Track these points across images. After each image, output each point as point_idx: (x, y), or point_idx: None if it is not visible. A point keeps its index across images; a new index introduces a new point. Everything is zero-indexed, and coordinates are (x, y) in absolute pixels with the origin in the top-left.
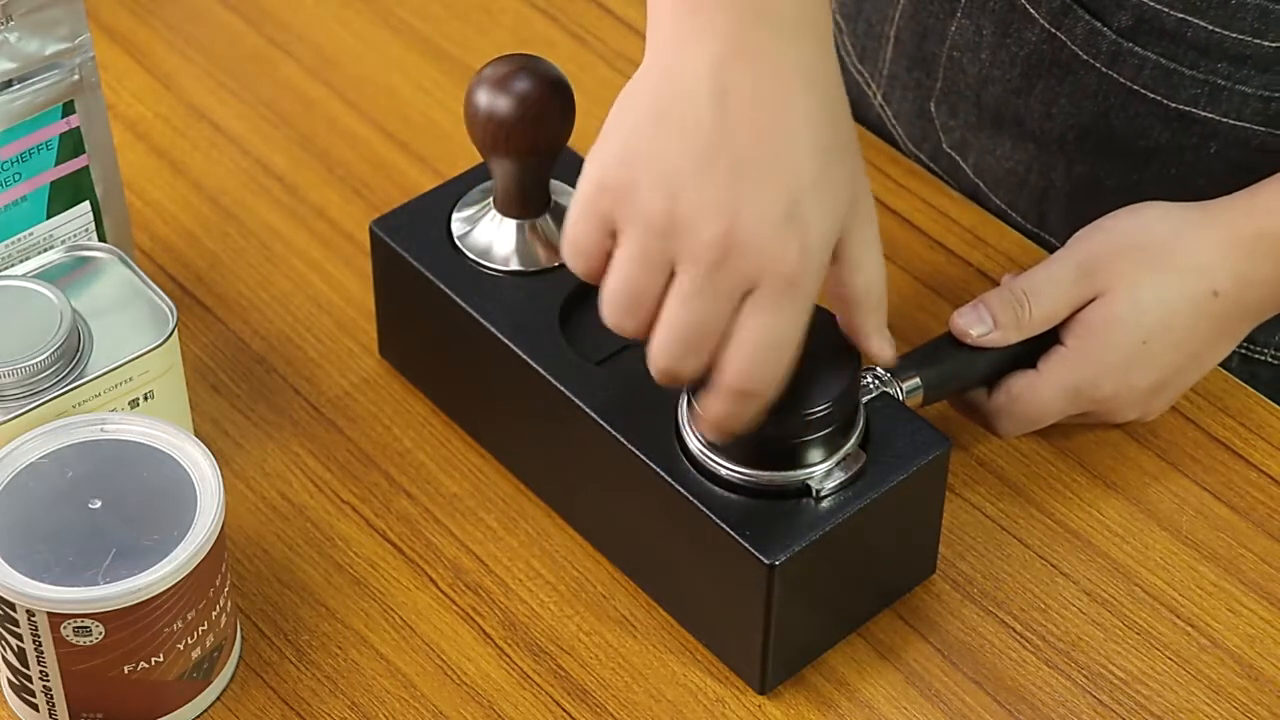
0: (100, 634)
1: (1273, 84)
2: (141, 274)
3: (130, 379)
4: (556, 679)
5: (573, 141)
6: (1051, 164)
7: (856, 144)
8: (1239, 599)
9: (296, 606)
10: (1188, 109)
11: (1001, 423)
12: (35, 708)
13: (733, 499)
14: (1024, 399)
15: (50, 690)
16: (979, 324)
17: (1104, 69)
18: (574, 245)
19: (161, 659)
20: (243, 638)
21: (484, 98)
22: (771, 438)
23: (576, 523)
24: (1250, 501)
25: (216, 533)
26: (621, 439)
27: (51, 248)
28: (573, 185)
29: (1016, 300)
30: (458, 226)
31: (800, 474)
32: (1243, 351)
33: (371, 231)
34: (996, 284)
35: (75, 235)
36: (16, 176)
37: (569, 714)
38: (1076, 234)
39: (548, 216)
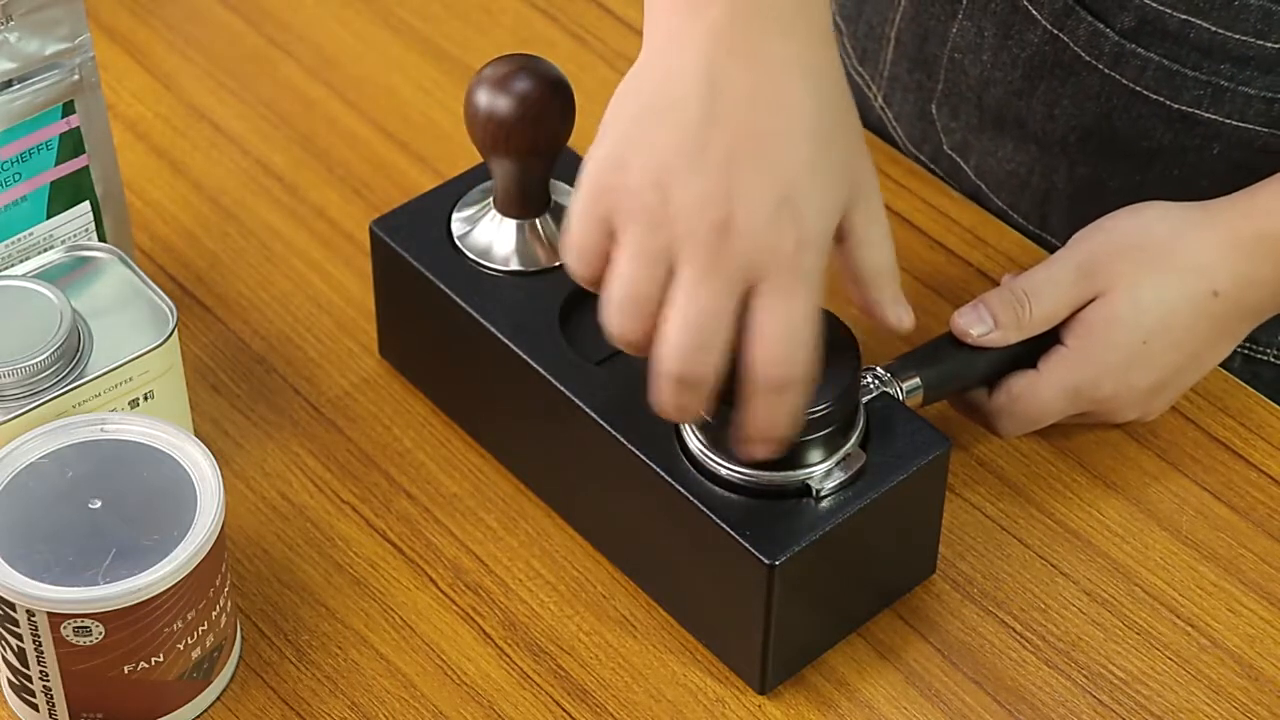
0: (100, 634)
1: (1275, 85)
2: (141, 274)
3: (130, 379)
4: (556, 679)
5: (573, 141)
6: (1054, 166)
7: (857, 129)
8: (1239, 599)
9: (296, 606)
10: (1190, 110)
11: (1001, 423)
12: (35, 708)
13: (733, 499)
14: (1024, 399)
15: (50, 690)
16: (979, 324)
17: (1106, 70)
18: (575, 248)
19: (161, 659)
20: (243, 638)
21: (484, 98)
22: None
23: (576, 523)
24: (1250, 501)
25: (216, 533)
26: (621, 439)
27: (51, 248)
28: (573, 185)
29: (1016, 300)
30: (458, 226)
31: (800, 474)
32: (1244, 351)
33: (371, 231)
34: (996, 284)
35: (75, 235)
36: (16, 176)
37: (569, 714)
38: (1077, 234)
39: (548, 216)
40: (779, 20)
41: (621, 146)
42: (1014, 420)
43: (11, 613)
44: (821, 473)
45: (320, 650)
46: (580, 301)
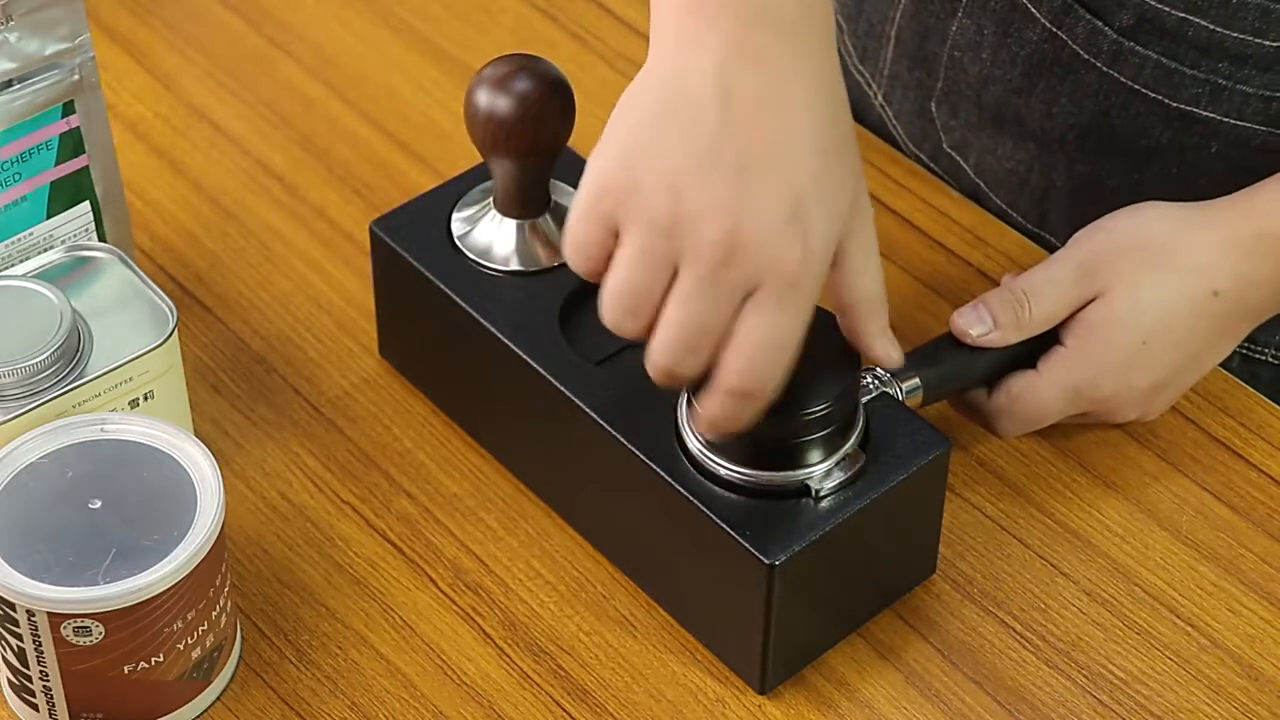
0: (100, 634)
1: (1274, 84)
2: (141, 274)
3: (130, 379)
4: (556, 679)
5: (573, 141)
6: (1052, 164)
7: (856, 145)
8: (1239, 599)
9: (296, 606)
10: (1189, 108)
11: (1001, 423)
12: (35, 708)
13: (733, 499)
14: (1024, 399)
15: (50, 690)
16: (979, 324)
17: (1105, 68)
18: (576, 245)
19: (161, 659)
20: (243, 638)
21: (484, 98)
22: (771, 438)
23: (576, 523)
24: (1250, 501)
25: (216, 533)
26: (621, 439)
27: (51, 248)
28: (573, 185)
29: (1016, 300)
30: (458, 226)
31: (800, 474)
32: (1243, 351)
33: (371, 231)
34: (996, 284)
35: (75, 235)
36: (16, 176)
37: (569, 714)
38: (1076, 234)
39: (548, 216)
40: (789, 30)
41: (630, 147)
42: (1014, 420)
43: (11, 613)
44: (821, 473)
45: (320, 650)
46: (580, 301)
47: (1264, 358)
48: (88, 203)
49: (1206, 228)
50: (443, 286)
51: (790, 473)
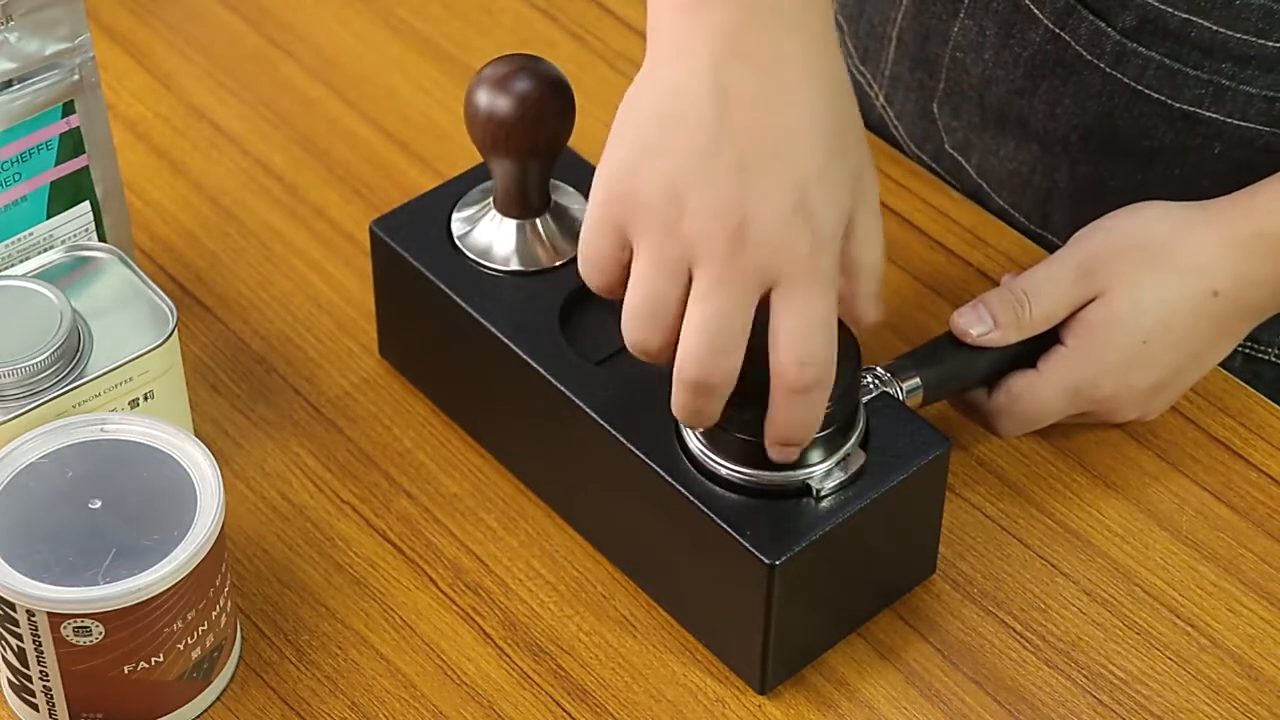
0: (100, 634)
1: (1277, 84)
2: (141, 274)
3: (130, 379)
4: (556, 679)
5: (573, 141)
6: (1055, 165)
7: (861, 130)
8: (1239, 599)
9: (296, 606)
10: (1192, 109)
11: (1001, 423)
12: (35, 708)
13: (733, 499)
14: (1024, 399)
15: (50, 690)
16: (979, 324)
17: (1108, 69)
18: (590, 259)
19: (161, 659)
20: (243, 638)
21: (484, 98)
22: None
23: (576, 523)
24: (1250, 501)
25: (216, 533)
26: (621, 439)
27: (51, 248)
28: (573, 185)
29: (1016, 300)
30: (458, 226)
31: (800, 474)
32: (1246, 351)
33: (371, 231)
34: (996, 284)
35: (75, 235)
36: (16, 176)
37: (569, 714)
38: (1077, 234)
39: (548, 216)
40: (784, 21)
41: (633, 154)
42: (1014, 420)
43: (11, 613)
44: (821, 473)
45: (320, 650)
46: (580, 301)
47: (1267, 357)
48: (88, 203)
49: (1206, 227)
50: (443, 286)
51: (790, 472)
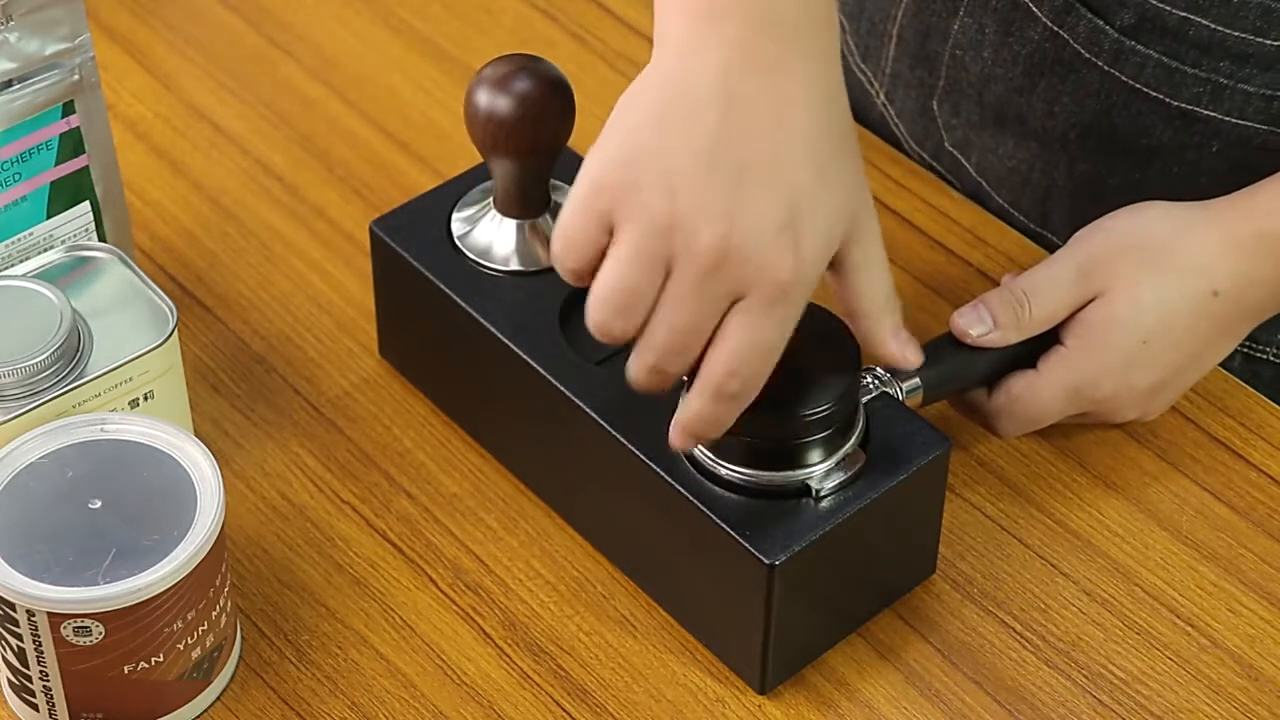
0: (100, 634)
1: (1275, 83)
2: (141, 274)
3: (130, 379)
4: (556, 679)
5: (573, 141)
6: (1054, 163)
7: (859, 156)
8: (1239, 599)
9: (296, 606)
10: (1190, 108)
11: (1001, 423)
12: (35, 708)
13: (733, 499)
14: (1024, 399)
15: (50, 690)
16: (979, 324)
17: (1106, 67)
18: (567, 241)
19: (161, 659)
20: (243, 638)
21: (484, 98)
22: (772, 438)
23: (576, 523)
24: (1250, 501)
25: (216, 533)
26: (621, 439)
27: (51, 248)
28: (573, 185)
29: (1016, 300)
30: (458, 226)
31: (800, 474)
32: (1245, 350)
33: (371, 231)
34: (996, 284)
35: (75, 235)
36: (16, 176)
37: (569, 714)
38: (1077, 234)
39: (548, 216)
40: (795, 38)
41: (631, 146)
42: (1014, 420)
43: (11, 613)
44: (821, 473)
45: (320, 650)
46: (580, 301)
47: (1265, 357)
48: (88, 203)
49: (1206, 227)
50: (443, 286)
51: (790, 473)
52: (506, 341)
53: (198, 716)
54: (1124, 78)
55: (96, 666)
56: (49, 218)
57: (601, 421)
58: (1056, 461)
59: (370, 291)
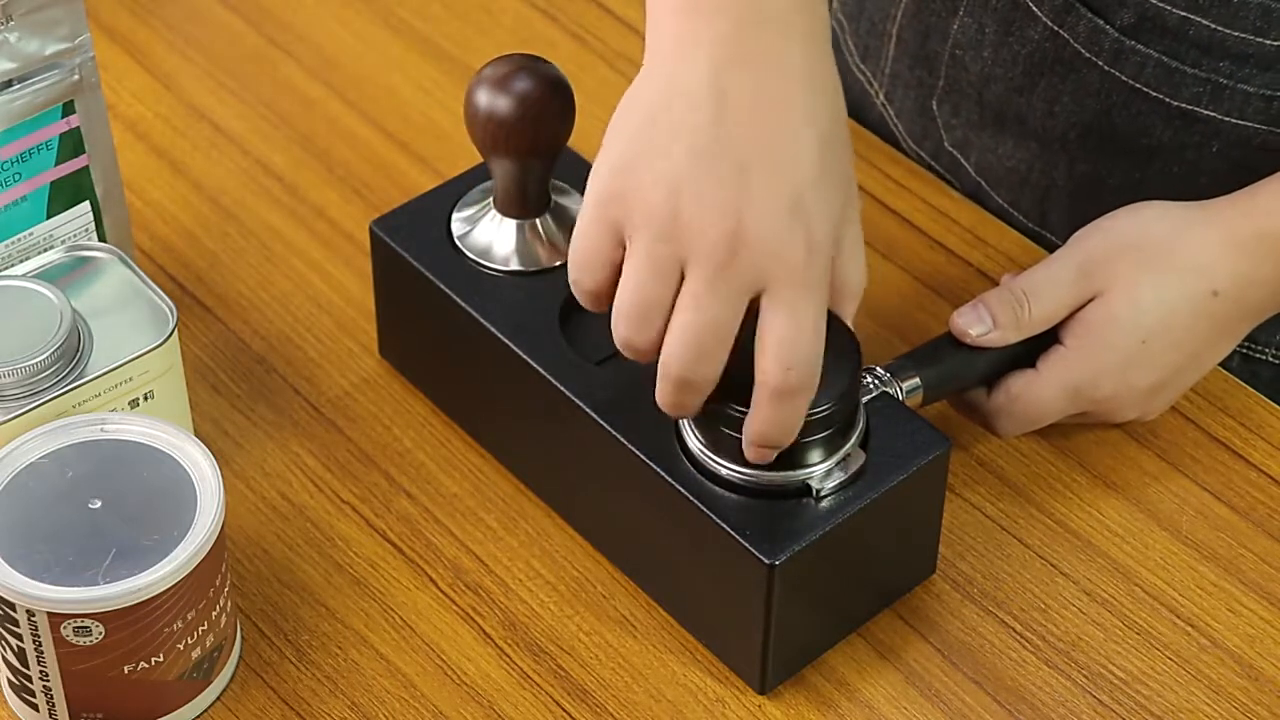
0: (100, 634)
1: (1274, 83)
2: (141, 274)
3: (130, 379)
4: (556, 679)
5: (573, 141)
6: (1054, 162)
7: (849, 139)
8: (1239, 599)
9: (296, 606)
10: (1190, 107)
11: (1001, 423)
12: (35, 708)
13: (733, 499)
14: (1024, 399)
15: (50, 690)
16: (979, 324)
17: (1106, 67)
18: (581, 259)
19: (161, 659)
20: (243, 638)
21: (484, 98)
22: None
23: (576, 523)
24: (1250, 501)
25: (216, 533)
26: (621, 439)
27: (51, 248)
28: (573, 185)
29: (1016, 300)
30: (458, 226)
31: (800, 474)
32: (1244, 351)
33: (371, 231)
34: (996, 284)
35: (75, 235)
36: (16, 176)
37: (569, 714)
38: (1076, 234)
39: (548, 216)
40: (784, 30)
41: (630, 152)
42: (1013, 420)
43: (11, 613)
44: (821, 473)
45: (320, 650)
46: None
47: (1264, 357)
48: (88, 203)
49: (1206, 227)
50: (443, 286)
51: (790, 473)
52: (506, 341)
53: (198, 716)
54: (1124, 77)
55: (96, 666)
56: (49, 218)
57: (601, 421)
58: (1056, 461)
59: (370, 291)
